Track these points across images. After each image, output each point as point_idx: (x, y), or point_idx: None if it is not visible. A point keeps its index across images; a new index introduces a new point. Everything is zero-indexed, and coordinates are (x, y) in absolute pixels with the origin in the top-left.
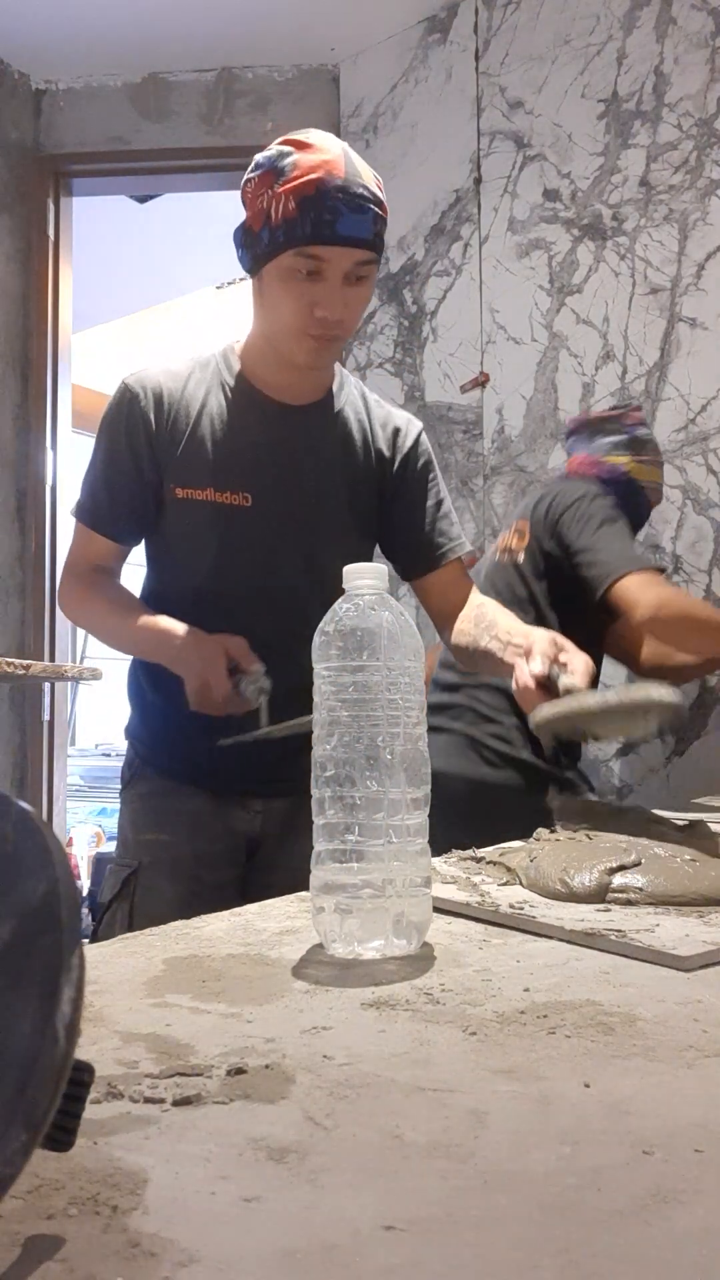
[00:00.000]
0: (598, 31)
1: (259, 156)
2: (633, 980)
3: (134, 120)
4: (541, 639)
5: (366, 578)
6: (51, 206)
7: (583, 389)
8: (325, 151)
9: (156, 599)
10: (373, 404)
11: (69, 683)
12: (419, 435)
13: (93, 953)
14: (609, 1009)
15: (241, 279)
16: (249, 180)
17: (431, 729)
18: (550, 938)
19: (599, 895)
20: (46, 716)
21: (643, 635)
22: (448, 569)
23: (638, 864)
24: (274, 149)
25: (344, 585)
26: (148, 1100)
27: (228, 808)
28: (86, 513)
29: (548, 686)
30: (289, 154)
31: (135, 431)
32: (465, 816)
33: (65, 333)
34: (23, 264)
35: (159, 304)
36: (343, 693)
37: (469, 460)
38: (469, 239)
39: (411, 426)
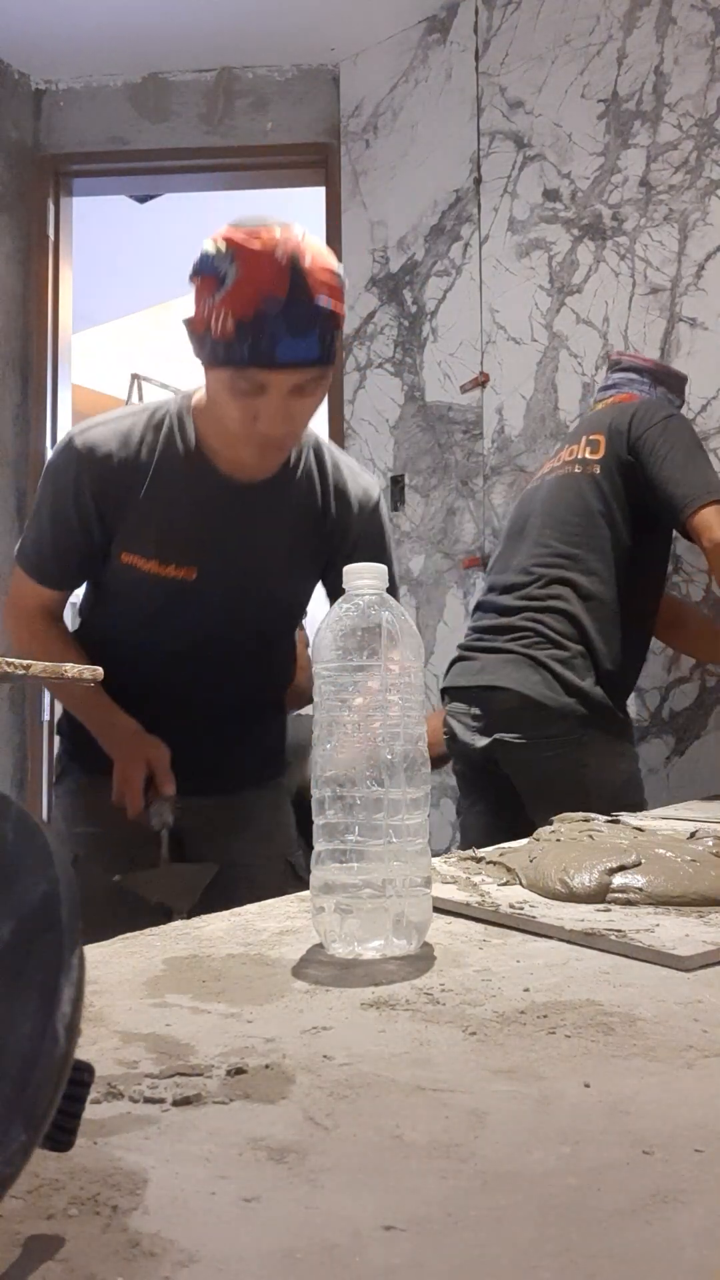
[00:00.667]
0: (598, 31)
1: (205, 249)
2: (633, 980)
3: (134, 120)
4: None
5: (366, 578)
6: (51, 206)
7: (583, 389)
8: (269, 262)
9: (93, 634)
10: (330, 470)
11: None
12: (375, 506)
13: (93, 953)
14: (609, 1009)
15: None
16: (194, 277)
17: (488, 650)
18: (550, 938)
19: (599, 895)
20: (46, 716)
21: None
22: None
23: (638, 864)
24: (216, 247)
25: (344, 585)
26: (148, 1100)
27: (152, 804)
28: (31, 565)
29: None
30: (230, 261)
31: (81, 494)
32: (516, 727)
33: (65, 333)
34: (23, 264)
35: (159, 304)
36: (343, 693)
37: (469, 460)
38: (469, 239)
39: (368, 498)
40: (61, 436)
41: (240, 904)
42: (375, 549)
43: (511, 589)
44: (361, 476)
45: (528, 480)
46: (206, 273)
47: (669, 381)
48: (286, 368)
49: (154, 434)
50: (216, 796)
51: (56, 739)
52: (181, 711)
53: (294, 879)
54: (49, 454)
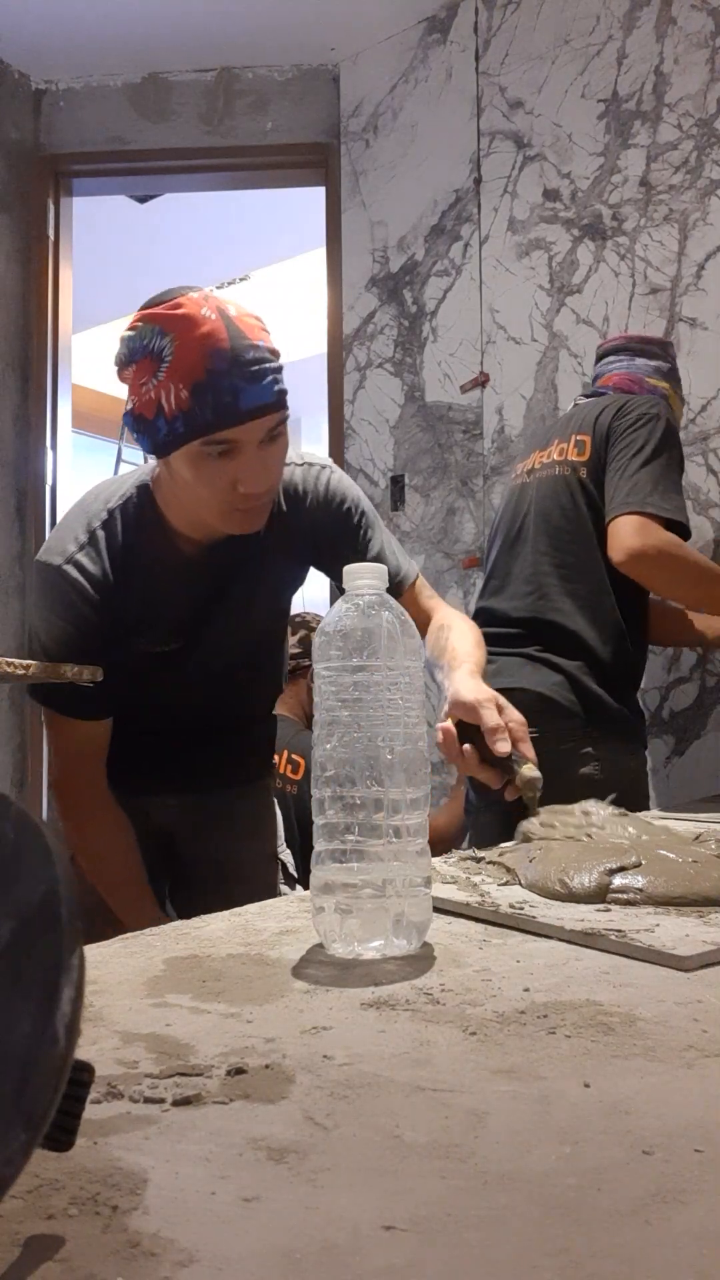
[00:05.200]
0: (598, 31)
1: (128, 338)
2: (633, 980)
3: (134, 120)
4: (486, 702)
5: (366, 577)
6: (51, 206)
7: (582, 389)
8: (201, 322)
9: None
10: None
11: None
12: (328, 483)
13: (93, 953)
14: (609, 1009)
15: (242, 278)
16: (125, 368)
17: (501, 654)
18: (550, 938)
19: (599, 896)
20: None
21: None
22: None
23: (638, 865)
24: (140, 328)
25: (344, 585)
26: (148, 1100)
27: (142, 801)
28: (67, 705)
29: (501, 765)
30: (162, 335)
31: (87, 619)
32: (533, 723)
33: (65, 333)
34: (23, 264)
35: None
36: (343, 693)
37: (469, 460)
38: (469, 239)
39: (314, 480)
40: (39, 566)
41: (230, 897)
42: (345, 522)
43: (513, 598)
44: (304, 465)
45: (515, 473)
46: (139, 357)
47: (649, 350)
48: (253, 417)
49: (125, 533)
50: (205, 794)
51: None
52: (174, 727)
53: (284, 875)
54: (49, 453)
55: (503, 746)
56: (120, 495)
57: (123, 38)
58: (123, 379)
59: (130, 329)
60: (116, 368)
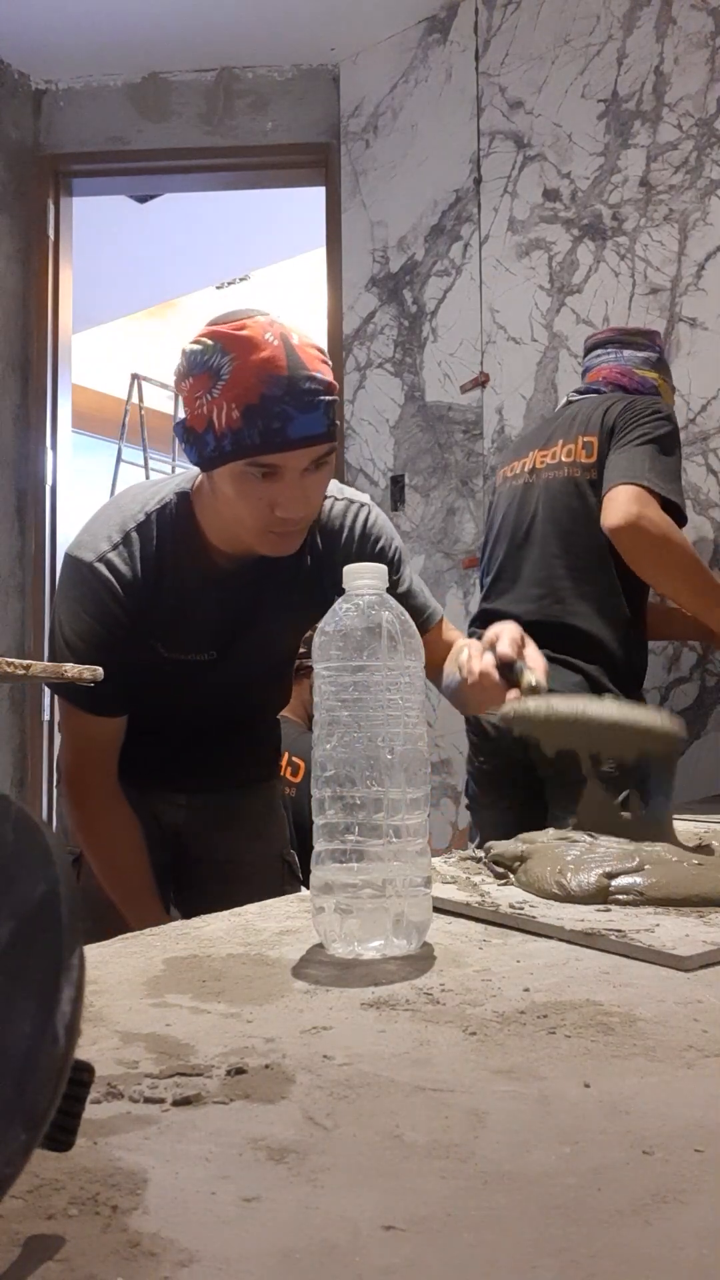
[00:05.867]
0: (598, 31)
1: (190, 352)
2: (633, 980)
3: (134, 120)
4: (510, 628)
5: (366, 578)
6: (51, 206)
7: None
8: (263, 346)
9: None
10: (324, 507)
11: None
12: (365, 521)
13: (93, 953)
14: (609, 1009)
15: (242, 279)
16: (183, 380)
17: None
18: (550, 938)
19: (597, 898)
20: (46, 716)
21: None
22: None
23: (639, 868)
24: (204, 343)
25: (344, 585)
26: (148, 1100)
27: (152, 798)
28: (87, 700)
29: (507, 676)
30: (223, 353)
31: (115, 619)
32: None
33: (65, 333)
34: (23, 264)
35: (159, 304)
36: (343, 693)
37: (469, 460)
38: (469, 239)
39: (351, 517)
40: (70, 559)
41: (237, 899)
42: (378, 559)
43: (522, 600)
44: (344, 501)
45: (512, 471)
46: (198, 371)
47: (636, 341)
48: (300, 446)
49: (159, 539)
50: (211, 794)
51: (58, 738)
52: (180, 728)
53: (290, 877)
54: (49, 453)
55: (505, 649)
56: (158, 500)
57: (123, 38)
58: (179, 390)
59: (194, 343)
60: (175, 378)
